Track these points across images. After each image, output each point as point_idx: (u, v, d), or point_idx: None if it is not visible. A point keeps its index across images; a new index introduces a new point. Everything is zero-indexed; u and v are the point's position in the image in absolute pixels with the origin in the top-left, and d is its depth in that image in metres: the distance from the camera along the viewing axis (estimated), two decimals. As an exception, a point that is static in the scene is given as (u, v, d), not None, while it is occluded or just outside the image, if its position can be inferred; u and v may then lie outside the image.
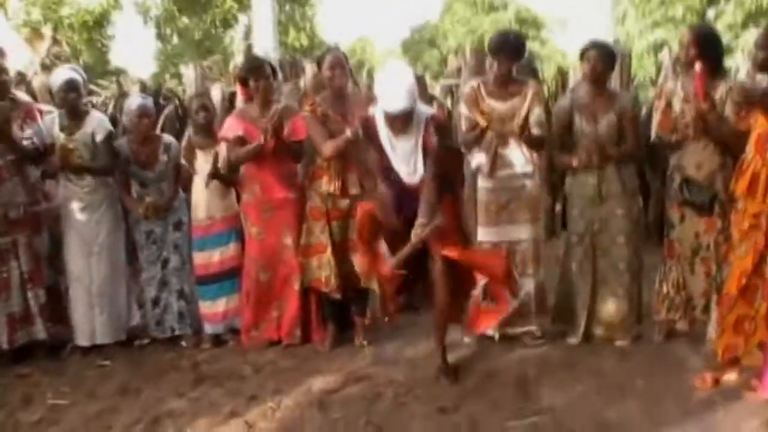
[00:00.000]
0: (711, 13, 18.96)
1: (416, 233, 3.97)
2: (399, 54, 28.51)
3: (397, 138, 4.05)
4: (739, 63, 8.89)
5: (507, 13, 26.47)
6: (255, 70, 4.88)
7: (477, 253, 4.51)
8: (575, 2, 42.07)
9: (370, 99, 4.46)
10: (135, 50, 37.84)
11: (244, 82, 4.98)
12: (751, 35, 17.03)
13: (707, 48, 4.29)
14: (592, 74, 4.56)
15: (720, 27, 15.96)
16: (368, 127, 4.13)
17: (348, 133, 4.40)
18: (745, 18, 17.14)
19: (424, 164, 4.06)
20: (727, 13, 17.58)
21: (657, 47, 18.02)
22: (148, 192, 5.08)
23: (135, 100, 5.14)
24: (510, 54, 4.55)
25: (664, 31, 18.57)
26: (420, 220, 3.98)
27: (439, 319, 4.28)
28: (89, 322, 5.06)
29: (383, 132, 4.07)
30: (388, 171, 4.12)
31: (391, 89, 3.90)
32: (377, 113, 4.08)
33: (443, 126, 4.34)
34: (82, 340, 5.08)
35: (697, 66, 3.92)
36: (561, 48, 27.48)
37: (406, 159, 4.08)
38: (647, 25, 19.05)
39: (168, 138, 5.30)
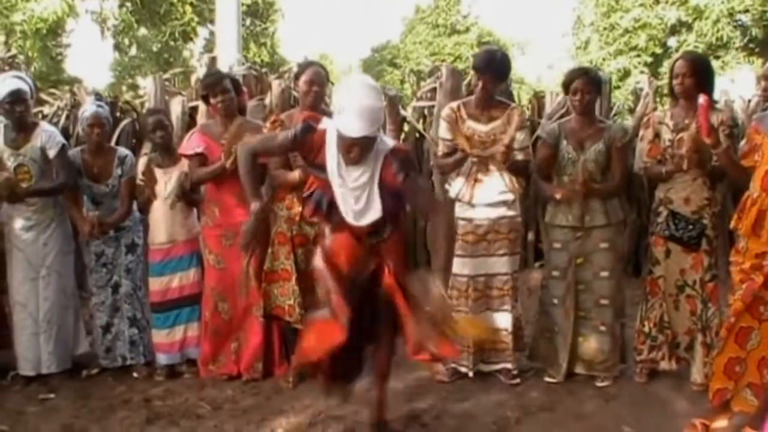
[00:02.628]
0: (672, 43, 19.16)
1: None
2: (359, 73, 28.34)
3: (347, 168, 3.26)
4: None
5: (469, 36, 26.53)
6: (214, 85, 4.57)
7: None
8: (537, 27, 42.51)
9: None
10: (91, 60, 37.23)
11: (206, 99, 4.68)
12: (714, 66, 17.37)
13: (704, 77, 4.13)
14: (581, 106, 4.34)
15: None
16: (310, 139, 3.29)
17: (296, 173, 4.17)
18: (706, 49, 17.33)
19: (382, 203, 3.29)
20: (689, 43, 17.73)
21: (620, 75, 18.14)
22: (100, 209, 4.70)
23: (89, 108, 4.75)
24: (496, 73, 4.29)
25: (626, 59, 18.68)
26: None
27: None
28: (34, 350, 4.65)
29: (332, 157, 3.25)
30: (327, 206, 3.44)
31: (354, 109, 3.06)
32: (330, 130, 3.26)
33: (409, 159, 3.42)
34: (25, 369, 4.67)
35: (702, 98, 3.69)
36: (520, 73, 27.50)
37: (356, 195, 3.28)
38: (610, 53, 19.14)
39: (123, 150, 4.94)
